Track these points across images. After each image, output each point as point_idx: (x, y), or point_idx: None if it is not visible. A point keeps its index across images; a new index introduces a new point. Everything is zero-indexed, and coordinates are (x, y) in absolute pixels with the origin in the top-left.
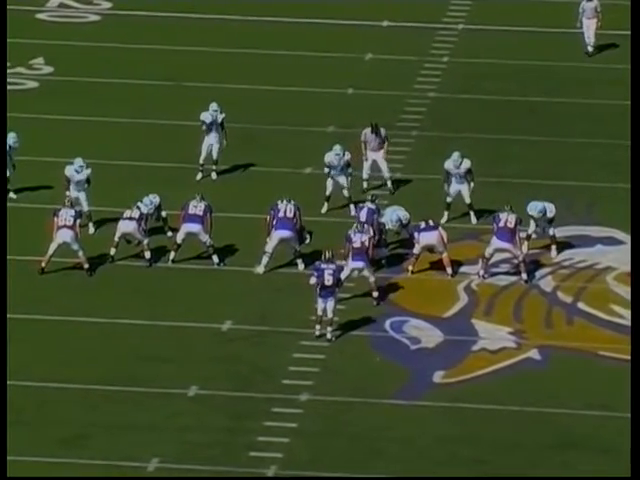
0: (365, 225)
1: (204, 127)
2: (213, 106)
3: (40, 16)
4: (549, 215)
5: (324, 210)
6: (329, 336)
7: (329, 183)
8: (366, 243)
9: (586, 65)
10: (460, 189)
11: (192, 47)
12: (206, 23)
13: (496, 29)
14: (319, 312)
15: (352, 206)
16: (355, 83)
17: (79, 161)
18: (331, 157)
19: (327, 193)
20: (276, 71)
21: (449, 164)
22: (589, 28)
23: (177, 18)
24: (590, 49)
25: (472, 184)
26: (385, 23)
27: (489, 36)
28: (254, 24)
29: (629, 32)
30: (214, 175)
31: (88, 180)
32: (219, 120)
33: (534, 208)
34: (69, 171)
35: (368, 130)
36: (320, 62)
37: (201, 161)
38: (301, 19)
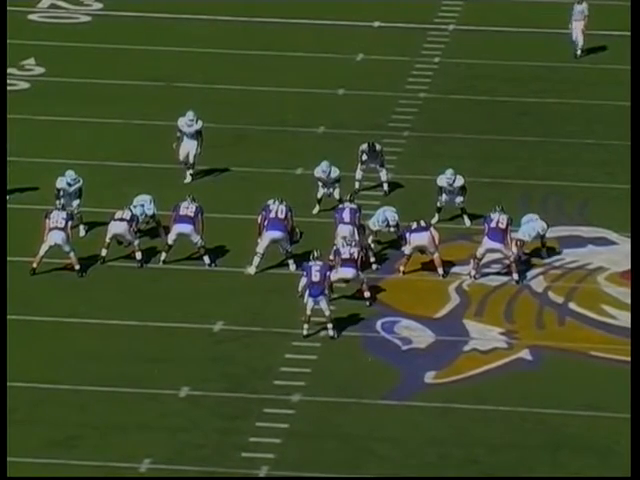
0: (353, 239)
1: (179, 134)
2: (189, 115)
3: (31, 17)
4: (542, 233)
5: (315, 211)
6: (331, 333)
7: (320, 188)
8: (355, 255)
9: (577, 66)
10: (452, 199)
11: (183, 48)
12: (197, 24)
13: (487, 30)
14: (308, 312)
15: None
16: (346, 84)
17: (71, 174)
18: (319, 173)
19: (318, 196)
20: (267, 72)
21: (442, 181)
22: (577, 30)
23: (168, 19)
24: (579, 51)
25: (465, 198)
26: (376, 23)
27: (480, 37)
28: (244, 25)
29: (620, 32)
30: (189, 178)
31: (80, 190)
32: (194, 129)
33: (528, 234)
34: (61, 183)
35: (365, 147)
36: (311, 62)
37: (181, 159)
38: (292, 20)
